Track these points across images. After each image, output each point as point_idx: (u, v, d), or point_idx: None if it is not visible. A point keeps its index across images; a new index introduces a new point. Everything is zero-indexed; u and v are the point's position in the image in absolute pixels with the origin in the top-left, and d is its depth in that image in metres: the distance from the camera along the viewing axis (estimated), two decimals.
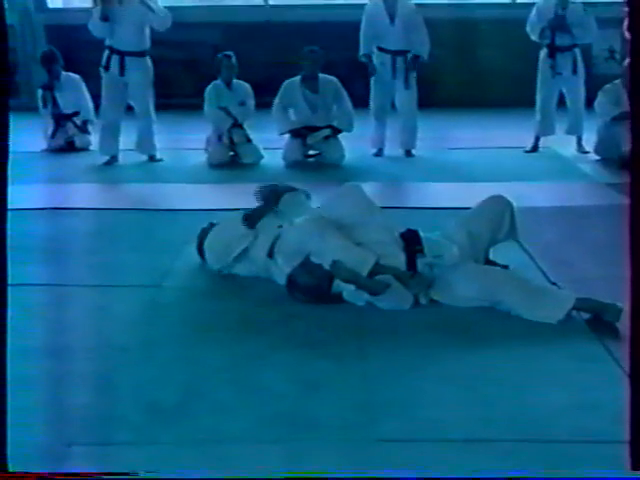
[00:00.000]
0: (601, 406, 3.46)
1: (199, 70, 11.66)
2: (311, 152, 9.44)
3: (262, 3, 13.80)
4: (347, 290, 4.73)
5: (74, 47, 11.44)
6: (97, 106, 9.84)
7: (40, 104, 10.28)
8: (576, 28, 9.43)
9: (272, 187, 5.48)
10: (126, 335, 4.37)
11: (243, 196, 5.57)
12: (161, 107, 9.73)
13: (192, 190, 8.06)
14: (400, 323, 4.49)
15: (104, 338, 4.30)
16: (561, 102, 9.80)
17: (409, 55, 9.43)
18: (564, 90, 9.72)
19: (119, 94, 9.27)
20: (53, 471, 2.65)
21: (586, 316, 4.49)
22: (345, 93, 9.33)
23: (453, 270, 4.75)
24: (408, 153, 9.68)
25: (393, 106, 9.76)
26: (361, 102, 9.62)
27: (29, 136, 9.20)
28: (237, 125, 9.44)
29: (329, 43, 10.37)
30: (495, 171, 8.64)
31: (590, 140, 9.47)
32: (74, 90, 10.32)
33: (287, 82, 9.36)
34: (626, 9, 8.66)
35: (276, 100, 9.32)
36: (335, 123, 9.34)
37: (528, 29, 9.61)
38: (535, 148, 9.83)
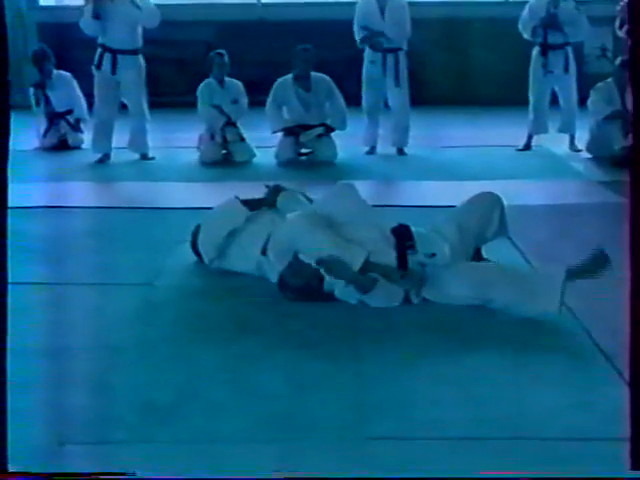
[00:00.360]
0: (594, 405, 3.46)
1: (191, 68, 11.65)
2: (304, 150, 9.44)
3: (254, 1, 13.79)
4: (339, 288, 4.72)
5: (66, 45, 11.41)
6: (90, 104, 9.83)
7: (33, 102, 10.27)
8: (568, 26, 9.45)
9: (278, 185, 5.50)
10: (120, 334, 4.36)
11: (236, 194, 5.56)
12: (153, 105, 9.72)
13: (184, 188, 8.06)
14: (393, 322, 4.49)
15: (98, 337, 4.29)
16: (554, 100, 9.82)
17: (400, 53, 9.45)
18: (556, 88, 9.74)
19: (112, 92, 9.26)
20: (48, 471, 2.65)
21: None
22: (338, 91, 9.34)
23: (444, 268, 4.75)
24: (400, 151, 9.68)
25: (386, 104, 9.77)
26: (354, 100, 9.62)
27: (21, 134, 9.18)
28: (230, 123, 9.43)
29: (322, 41, 10.38)
30: (488, 169, 8.64)
31: (582, 138, 9.49)
32: (66, 88, 10.31)
33: (280, 80, 9.36)
34: (618, 7, 8.67)
35: (269, 98, 9.32)
36: (328, 121, 9.34)
37: (520, 27, 9.62)
38: (528, 146, 9.85)
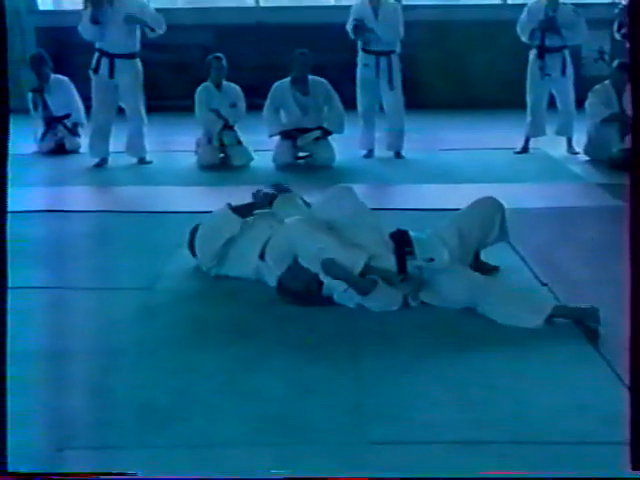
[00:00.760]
0: (592, 408, 3.47)
1: (189, 72, 11.65)
2: (301, 154, 9.44)
3: (253, 5, 13.80)
4: (338, 292, 4.72)
5: (65, 49, 11.43)
6: (88, 108, 9.82)
7: (31, 107, 10.27)
8: (566, 29, 9.45)
9: (271, 190, 5.49)
10: (119, 338, 4.37)
11: (233, 198, 5.56)
12: (151, 109, 9.72)
13: (182, 192, 8.05)
14: (391, 326, 4.49)
15: (97, 341, 4.30)
16: (551, 103, 9.83)
17: (393, 55, 9.48)
18: (554, 91, 9.74)
19: (109, 96, 9.25)
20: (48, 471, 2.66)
21: (568, 321, 4.46)
22: (336, 95, 9.34)
23: (442, 273, 4.74)
24: (398, 155, 9.68)
25: (381, 108, 9.78)
26: (351, 104, 9.63)
27: (19, 139, 9.10)
28: (228, 127, 9.43)
29: (319, 45, 10.40)
30: (485, 172, 8.65)
31: (580, 141, 9.49)
32: (64, 92, 10.31)
33: (277, 84, 9.36)
34: (616, 10, 8.66)
35: (267, 102, 9.32)
36: (325, 125, 9.35)
37: (518, 30, 9.62)
38: (525, 149, 9.85)
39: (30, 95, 10.29)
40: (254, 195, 5.43)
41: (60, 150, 10.17)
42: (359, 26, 9.33)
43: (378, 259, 4.76)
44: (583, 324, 4.37)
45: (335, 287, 4.71)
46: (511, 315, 4.46)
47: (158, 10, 9.45)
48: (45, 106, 10.27)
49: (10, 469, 2.46)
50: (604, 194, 7.54)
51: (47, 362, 3.99)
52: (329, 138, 9.37)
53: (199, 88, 9.49)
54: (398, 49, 9.60)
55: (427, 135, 10.67)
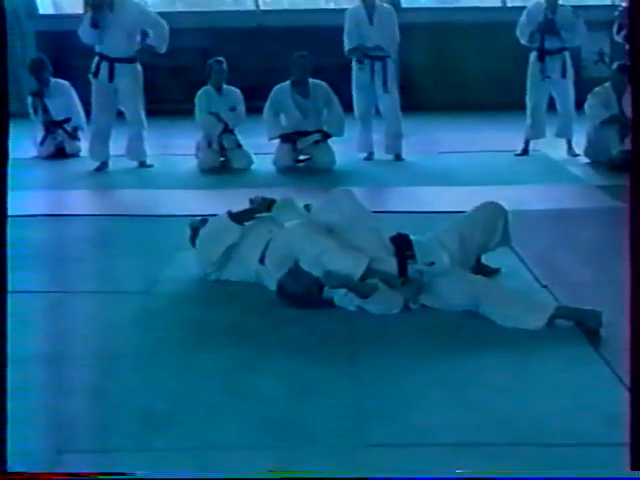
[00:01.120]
0: (592, 409, 3.46)
1: (189, 76, 11.65)
2: (301, 157, 9.44)
3: (252, 8, 13.80)
4: (338, 295, 4.73)
5: (65, 53, 11.44)
6: (88, 112, 9.82)
7: (31, 111, 10.27)
8: (565, 31, 9.46)
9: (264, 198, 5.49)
10: (118, 342, 4.37)
11: (234, 201, 5.56)
12: (151, 113, 9.73)
13: (182, 196, 8.05)
14: (391, 328, 4.49)
15: (96, 345, 4.29)
16: (551, 105, 9.83)
17: (388, 60, 9.49)
18: (554, 93, 9.75)
19: (109, 100, 9.26)
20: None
21: (568, 323, 4.46)
22: (336, 98, 9.35)
23: (442, 277, 4.74)
24: (397, 157, 9.68)
25: (378, 111, 9.79)
26: (351, 107, 9.65)
27: (19, 143, 9.10)
28: (228, 130, 9.43)
29: (319, 48, 10.40)
30: (486, 175, 8.65)
31: (580, 143, 9.49)
32: (64, 96, 10.32)
33: (277, 87, 9.36)
34: (615, 12, 8.68)
35: (267, 105, 9.32)
36: (325, 128, 9.35)
37: (518, 33, 9.63)
38: (525, 151, 9.85)
39: (30, 99, 10.30)
40: (251, 201, 5.42)
41: (60, 154, 10.18)
42: (356, 49, 9.37)
43: (378, 262, 4.76)
44: (584, 325, 4.37)
45: (336, 290, 4.71)
46: (511, 316, 4.45)
47: (157, 14, 9.46)
48: (45, 110, 10.27)
49: (10, 470, 2.46)
50: (604, 196, 7.54)
51: (47, 365, 3.99)
52: (329, 141, 9.38)
53: (199, 92, 9.50)
54: (393, 53, 9.62)
55: (427, 138, 10.67)
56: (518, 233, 5.41)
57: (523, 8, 9.77)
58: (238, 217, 5.27)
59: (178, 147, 10.13)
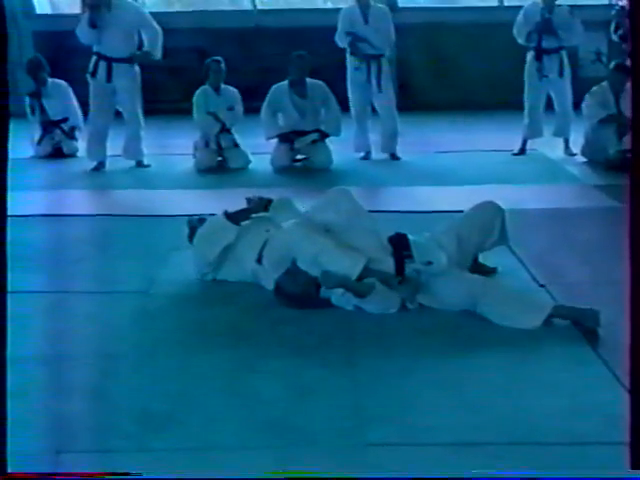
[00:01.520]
0: (591, 409, 3.46)
1: (186, 76, 11.65)
2: (299, 157, 9.44)
3: (250, 8, 13.79)
4: (335, 295, 4.73)
5: (62, 53, 11.43)
6: (85, 112, 9.82)
7: (28, 111, 10.27)
8: (562, 31, 9.46)
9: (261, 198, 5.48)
10: (116, 342, 4.36)
11: (231, 201, 5.56)
12: (148, 113, 9.73)
13: (180, 196, 8.04)
14: (388, 328, 4.49)
15: (94, 346, 4.29)
16: (549, 105, 9.83)
17: (382, 59, 9.51)
18: (551, 93, 9.75)
19: (107, 100, 9.26)
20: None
21: (566, 322, 4.46)
22: (333, 97, 9.35)
23: (439, 277, 4.74)
24: (393, 156, 9.68)
25: (374, 110, 9.80)
26: (348, 106, 9.64)
27: (16, 143, 9.07)
28: (225, 130, 9.43)
29: (317, 48, 10.40)
30: (483, 174, 8.65)
31: (577, 142, 9.50)
32: (61, 96, 10.32)
33: (275, 87, 9.36)
34: (612, 12, 8.71)
35: (264, 105, 9.32)
36: (323, 127, 9.35)
37: (515, 32, 9.64)
38: (523, 151, 9.85)
39: (27, 99, 10.29)
40: (249, 201, 5.42)
41: (57, 154, 10.17)
42: (354, 43, 9.37)
43: (376, 262, 4.76)
44: (582, 325, 4.37)
45: (333, 290, 4.72)
46: (508, 316, 4.45)
47: (154, 14, 9.47)
48: (42, 110, 10.27)
49: (9, 471, 2.46)
50: (601, 195, 7.55)
51: (46, 365, 3.98)
52: (326, 141, 9.38)
53: (197, 91, 9.50)
54: (387, 52, 9.64)
55: (424, 137, 10.68)
56: (515, 232, 5.41)
57: (520, 8, 9.77)
58: (235, 217, 5.27)
59: (175, 147, 10.12)
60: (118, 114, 9.42)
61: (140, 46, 9.26)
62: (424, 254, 4.79)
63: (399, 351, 4.18)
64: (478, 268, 5.15)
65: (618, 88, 8.98)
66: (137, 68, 9.27)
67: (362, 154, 9.76)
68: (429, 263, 4.76)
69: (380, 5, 9.79)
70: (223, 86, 9.52)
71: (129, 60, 9.17)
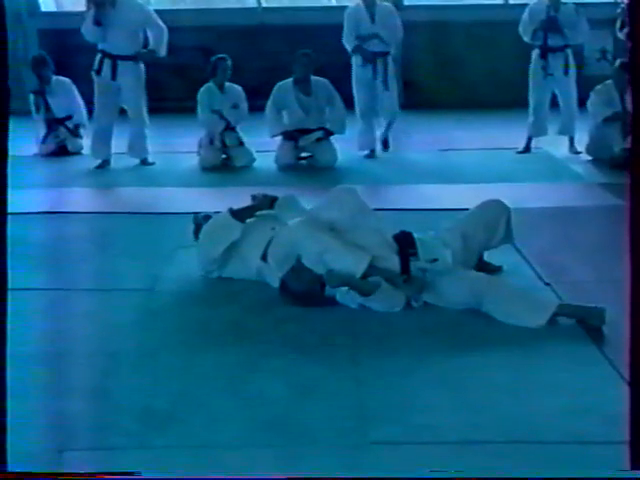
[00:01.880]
0: (594, 408, 3.46)
1: (191, 73, 11.63)
2: (303, 154, 9.43)
3: (254, 6, 13.78)
4: (340, 292, 4.72)
5: (67, 51, 11.43)
6: (90, 110, 9.82)
7: (32, 109, 10.26)
8: (568, 29, 9.45)
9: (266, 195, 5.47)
10: (119, 340, 4.37)
11: (236, 199, 5.56)
12: (153, 110, 9.72)
13: (184, 194, 8.04)
14: (392, 326, 4.48)
15: (97, 343, 4.29)
16: (554, 103, 9.81)
17: (388, 57, 9.51)
18: (556, 91, 9.73)
19: (111, 98, 9.26)
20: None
21: (570, 321, 4.45)
22: (338, 95, 9.34)
23: (444, 275, 4.73)
24: (385, 144, 9.73)
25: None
26: (353, 104, 9.64)
27: (20, 140, 9.14)
28: (230, 128, 9.42)
29: (322, 46, 10.39)
30: (488, 172, 8.64)
31: (582, 140, 9.48)
32: (66, 94, 10.31)
33: (279, 84, 9.36)
34: (618, 10, 8.65)
35: (269, 102, 9.31)
36: (327, 125, 9.34)
37: (520, 30, 9.62)
38: (527, 149, 9.83)
39: (32, 97, 10.28)
40: (253, 197, 5.41)
41: (62, 152, 10.16)
42: (359, 47, 9.38)
43: (381, 260, 4.76)
44: (587, 323, 4.36)
45: (338, 288, 4.71)
46: (513, 314, 4.45)
47: (159, 11, 9.47)
48: (47, 108, 10.25)
49: (10, 470, 2.46)
50: (606, 194, 7.53)
51: (48, 363, 3.98)
52: (331, 139, 9.37)
53: (202, 89, 9.49)
54: (393, 50, 9.64)
55: (429, 135, 10.66)
56: (520, 231, 5.40)
57: (525, 6, 9.75)
58: (240, 214, 5.27)
59: (180, 145, 10.12)
60: (123, 112, 9.42)
61: (145, 44, 9.26)
62: (429, 252, 4.79)
63: (402, 350, 4.18)
64: (483, 266, 5.15)
65: (623, 86, 8.96)
66: (142, 66, 9.26)
67: (367, 152, 9.75)
68: (434, 261, 4.75)
69: (386, 3, 9.79)
70: (227, 84, 9.51)
71: (134, 58, 9.16)
